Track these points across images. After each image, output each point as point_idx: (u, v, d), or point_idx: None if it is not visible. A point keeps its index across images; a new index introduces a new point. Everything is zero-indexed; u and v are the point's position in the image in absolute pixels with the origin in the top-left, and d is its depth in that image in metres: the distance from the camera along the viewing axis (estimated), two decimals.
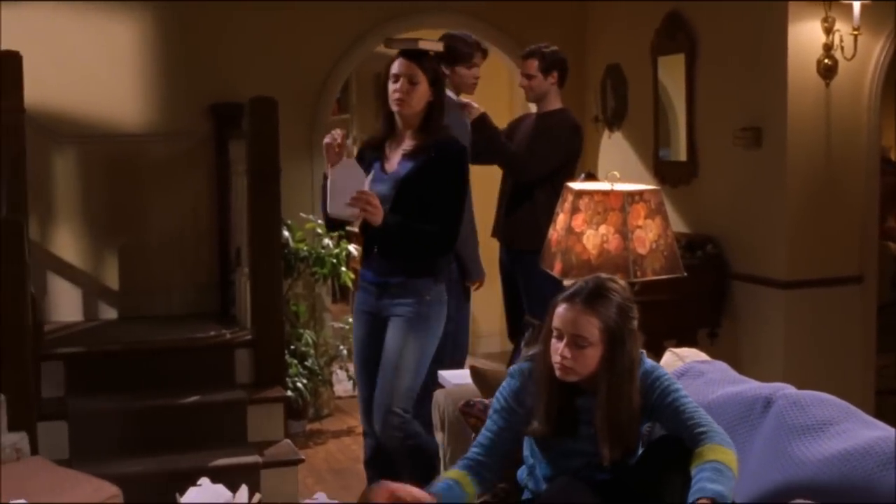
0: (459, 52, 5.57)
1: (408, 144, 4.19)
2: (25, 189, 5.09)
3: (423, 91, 4.14)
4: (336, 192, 3.99)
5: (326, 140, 4.05)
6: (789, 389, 3.15)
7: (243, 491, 2.56)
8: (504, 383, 3.03)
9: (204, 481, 2.58)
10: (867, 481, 2.67)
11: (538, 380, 2.92)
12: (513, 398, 2.98)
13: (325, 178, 4.11)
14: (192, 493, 2.54)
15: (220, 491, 2.49)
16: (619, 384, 2.84)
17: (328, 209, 4.07)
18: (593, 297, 2.84)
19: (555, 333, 2.85)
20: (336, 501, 2.47)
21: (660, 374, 2.97)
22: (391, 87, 4.14)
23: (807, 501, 2.64)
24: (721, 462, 2.75)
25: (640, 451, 2.96)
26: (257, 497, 2.53)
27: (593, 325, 2.81)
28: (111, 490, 3.70)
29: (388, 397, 4.17)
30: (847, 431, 2.84)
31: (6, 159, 5.01)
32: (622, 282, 2.97)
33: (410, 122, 4.19)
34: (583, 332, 2.81)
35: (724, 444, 2.81)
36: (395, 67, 4.16)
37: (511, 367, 3.10)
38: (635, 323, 2.90)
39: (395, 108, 4.15)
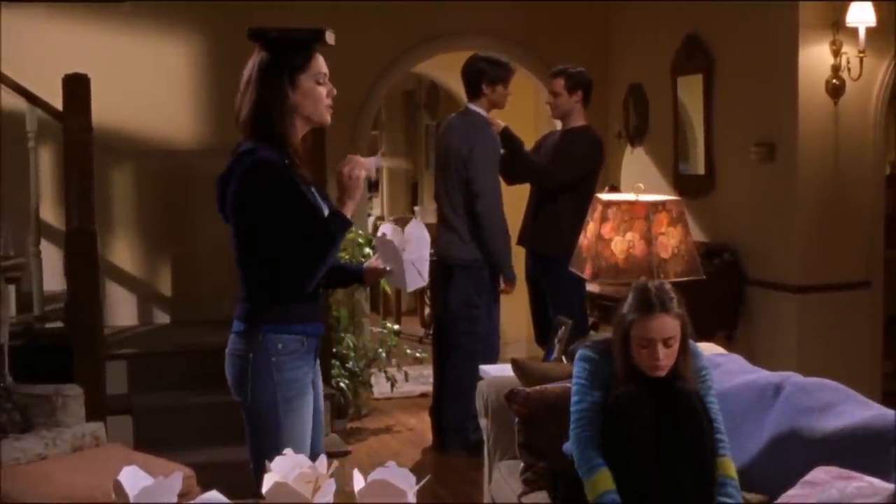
0: (502, 74, 6.01)
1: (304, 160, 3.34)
2: (93, 202, 5.35)
3: None
4: (420, 263, 3.30)
5: (362, 171, 3.17)
6: (796, 377, 3.54)
7: (322, 459, 2.87)
8: (578, 368, 3.42)
9: (288, 451, 2.89)
10: (865, 453, 3.04)
11: (618, 374, 3.32)
12: (590, 377, 3.37)
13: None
14: (278, 462, 2.85)
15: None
16: (686, 357, 3.29)
17: (411, 287, 3.33)
18: (666, 301, 3.24)
19: (643, 343, 3.21)
20: (227, 500, 2.71)
21: (703, 365, 3.42)
22: (320, 90, 3.23)
23: (830, 467, 2.98)
24: (737, 481, 3.24)
25: None
26: (335, 465, 2.84)
27: (676, 325, 3.22)
28: (187, 471, 4.07)
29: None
30: (847, 412, 3.23)
31: (76, 174, 5.30)
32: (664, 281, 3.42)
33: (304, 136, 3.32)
34: (672, 334, 3.21)
35: (730, 456, 3.28)
36: (323, 66, 3.26)
37: (579, 353, 3.46)
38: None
39: (328, 118, 3.28)
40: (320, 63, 3.25)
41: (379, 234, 3.33)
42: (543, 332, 5.93)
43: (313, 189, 3.27)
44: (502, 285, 6.09)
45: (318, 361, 3.40)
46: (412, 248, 3.26)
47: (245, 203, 3.17)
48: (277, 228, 3.13)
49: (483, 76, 5.99)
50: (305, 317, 3.26)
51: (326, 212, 3.24)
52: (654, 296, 3.24)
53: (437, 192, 6.24)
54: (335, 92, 3.26)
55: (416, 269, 3.25)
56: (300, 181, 3.20)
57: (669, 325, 3.21)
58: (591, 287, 6.01)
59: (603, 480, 3.21)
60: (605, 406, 3.29)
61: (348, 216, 3.17)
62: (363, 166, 3.17)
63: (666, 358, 3.22)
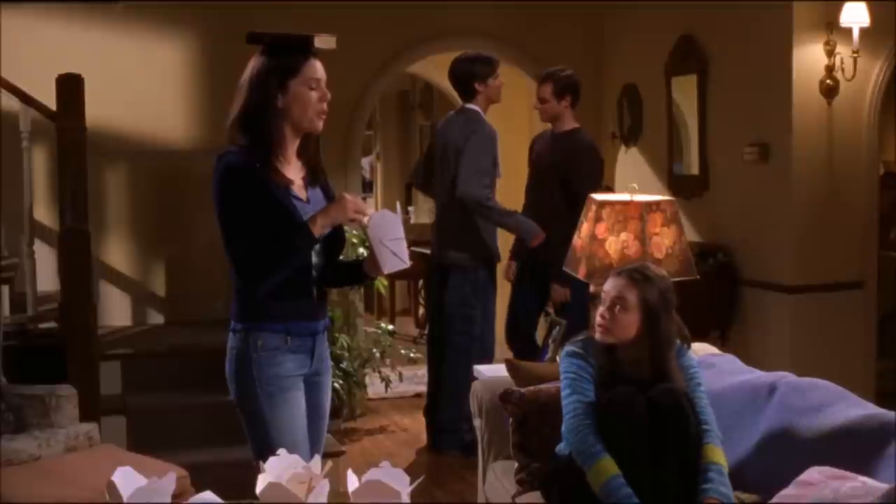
0: (489, 69, 6.00)
1: (299, 167, 3.33)
2: (87, 201, 5.34)
3: None
4: (392, 243, 3.21)
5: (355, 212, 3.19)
6: (790, 377, 3.55)
7: (317, 459, 2.87)
8: (565, 363, 3.48)
9: (282, 451, 2.88)
10: (859, 453, 3.05)
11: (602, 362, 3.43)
12: (580, 370, 3.43)
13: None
14: (272, 462, 2.85)
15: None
16: (659, 355, 3.35)
17: (388, 269, 3.22)
18: (638, 274, 3.39)
19: (601, 300, 3.37)
20: (221, 501, 2.70)
21: (692, 365, 3.47)
22: (312, 95, 3.22)
23: (824, 467, 2.98)
24: (721, 465, 3.25)
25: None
26: (329, 465, 2.84)
27: (633, 295, 3.33)
28: (181, 471, 4.06)
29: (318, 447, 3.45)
30: (841, 411, 3.24)
31: (69, 174, 5.30)
32: (665, 274, 3.51)
33: (299, 140, 3.32)
34: (621, 295, 3.34)
35: (718, 444, 3.30)
36: (318, 71, 3.24)
37: (566, 349, 3.53)
38: (672, 309, 3.41)
39: (318, 125, 3.27)
40: (315, 68, 3.24)
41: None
42: (512, 332, 6.16)
43: (294, 191, 3.26)
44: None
45: (324, 360, 3.43)
46: (384, 229, 3.20)
47: (216, 205, 3.21)
48: (235, 232, 3.18)
49: (473, 76, 5.99)
50: (288, 314, 3.27)
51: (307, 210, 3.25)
52: (630, 266, 3.47)
53: (435, 190, 6.21)
54: (329, 97, 3.26)
55: (390, 250, 3.20)
56: (274, 186, 3.19)
57: (622, 287, 3.37)
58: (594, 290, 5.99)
59: (608, 466, 3.22)
60: (601, 405, 3.30)
61: (316, 234, 3.17)
62: (360, 210, 3.19)
63: (607, 321, 3.37)
